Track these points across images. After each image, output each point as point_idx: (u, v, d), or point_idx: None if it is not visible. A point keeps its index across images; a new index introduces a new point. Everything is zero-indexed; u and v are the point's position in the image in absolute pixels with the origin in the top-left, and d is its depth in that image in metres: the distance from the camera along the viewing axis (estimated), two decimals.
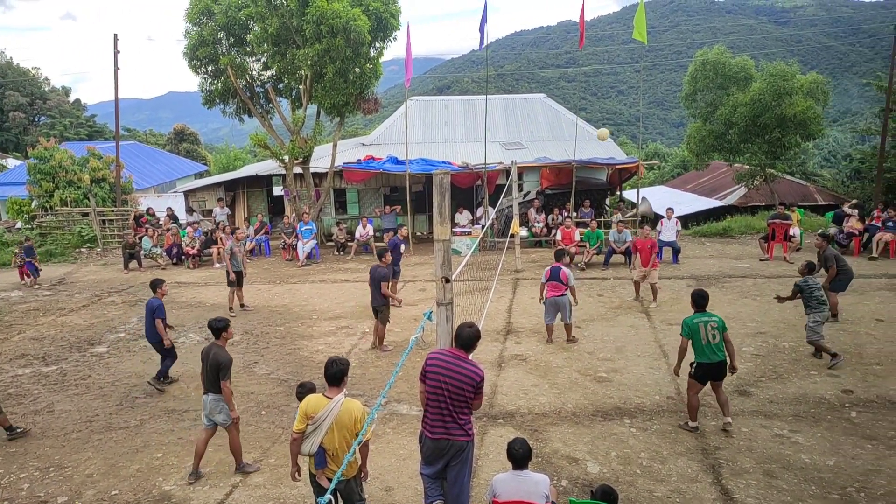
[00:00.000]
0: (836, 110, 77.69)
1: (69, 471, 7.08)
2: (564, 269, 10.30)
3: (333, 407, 4.99)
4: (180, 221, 21.43)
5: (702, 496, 6.16)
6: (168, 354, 9.42)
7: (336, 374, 5.11)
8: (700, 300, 7.47)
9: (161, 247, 18.85)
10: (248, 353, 10.70)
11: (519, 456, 5.00)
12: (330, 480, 5.06)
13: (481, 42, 18.31)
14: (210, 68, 20.06)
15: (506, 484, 4.99)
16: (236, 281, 12.98)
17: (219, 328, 6.84)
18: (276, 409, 8.49)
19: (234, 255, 12.93)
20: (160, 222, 20.45)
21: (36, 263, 16.69)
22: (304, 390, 5.96)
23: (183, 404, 8.74)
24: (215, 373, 6.59)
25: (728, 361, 7.24)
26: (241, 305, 13.31)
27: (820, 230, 16.35)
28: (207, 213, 22.73)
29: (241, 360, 10.36)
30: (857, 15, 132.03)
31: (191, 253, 18.12)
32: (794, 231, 16.71)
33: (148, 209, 21.75)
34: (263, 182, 23.57)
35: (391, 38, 19.50)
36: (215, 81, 20.31)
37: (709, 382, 7.37)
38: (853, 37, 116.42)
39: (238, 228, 14.54)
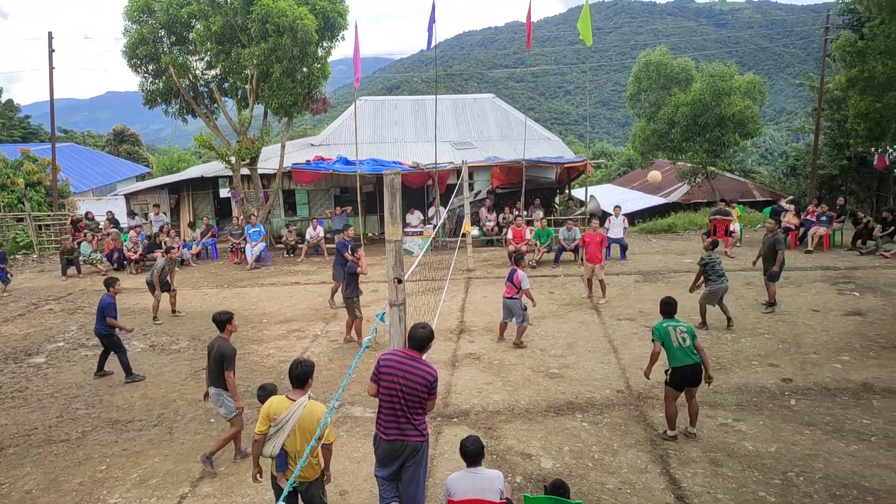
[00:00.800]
0: (772, 109, 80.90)
1: (6, 488, 6.76)
2: (519, 271, 10.29)
3: (296, 409, 4.93)
4: (121, 225, 20.74)
5: (651, 486, 6.31)
6: (116, 349, 9.44)
7: (300, 375, 5.07)
8: (667, 307, 7.39)
9: (101, 252, 18.21)
10: (195, 360, 10.43)
11: (471, 453, 5.02)
12: (293, 486, 5.00)
13: (429, 42, 18.32)
14: (151, 67, 19.47)
15: (460, 482, 5.00)
16: (162, 290, 12.78)
17: (223, 321, 6.91)
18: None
19: (164, 272, 12.70)
20: (100, 227, 19.75)
21: (7, 270, 16.03)
22: (264, 392, 5.89)
23: (127, 414, 8.46)
24: (219, 364, 6.72)
25: (703, 369, 7.05)
26: (174, 312, 13.03)
27: (790, 197, 17.06)
28: None
29: (189, 367, 10.11)
30: (790, 18, 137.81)
31: (133, 258, 17.55)
32: (735, 227, 17.31)
33: (87, 213, 20.97)
34: (209, 184, 23.02)
35: (339, 38, 19.34)
36: (157, 81, 19.73)
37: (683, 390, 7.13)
38: (787, 39, 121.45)
39: (173, 248, 14.11)
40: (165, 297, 12.86)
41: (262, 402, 5.36)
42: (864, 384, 8.43)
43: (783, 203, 18.20)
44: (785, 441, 7.07)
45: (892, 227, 15.75)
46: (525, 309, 10.37)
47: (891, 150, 21.92)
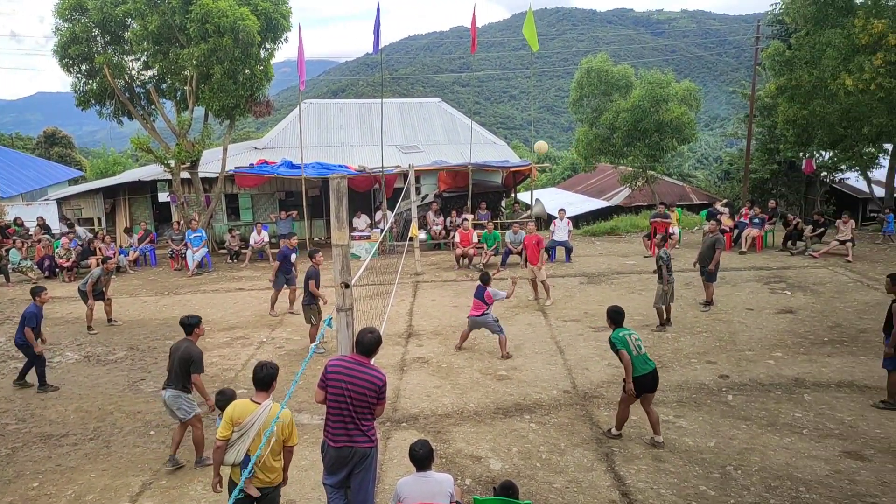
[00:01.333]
0: (707, 116, 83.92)
1: None
2: (490, 289, 9.99)
3: (262, 412, 4.83)
4: (53, 232, 19.85)
5: (597, 484, 6.43)
6: (35, 360, 9.19)
7: (265, 378, 5.00)
8: (616, 316, 7.21)
9: (31, 259, 17.37)
10: (133, 370, 10.07)
11: (420, 457, 5.01)
12: (259, 490, 4.89)
13: (376, 46, 18.28)
14: (84, 67, 18.71)
15: (410, 487, 4.98)
16: (96, 299, 12.30)
17: (191, 324, 6.88)
18: (166, 428, 8.02)
19: (99, 282, 12.23)
20: (30, 233, 18.85)
21: None
22: (223, 398, 5.78)
23: (60, 428, 8.09)
24: (185, 367, 6.63)
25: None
26: (110, 321, 12.56)
27: (725, 200, 17.67)
28: (86, 221, 21.20)
29: (126, 378, 9.75)
30: (723, 27, 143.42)
31: (65, 265, 16.80)
32: (674, 229, 17.87)
33: (15, 219, 19.97)
34: (147, 188, 22.28)
35: (282, 40, 19.02)
36: (90, 81, 18.97)
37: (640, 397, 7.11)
38: (720, 48, 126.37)
39: (110, 258, 13.49)
40: (100, 304, 12.38)
41: (222, 408, 5.23)
42: (796, 379, 8.82)
43: (718, 206, 18.89)
44: (723, 436, 7.32)
45: (822, 229, 16.57)
46: (497, 320, 10.19)
47: (817, 155, 23.03)
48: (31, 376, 9.41)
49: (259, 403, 4.91)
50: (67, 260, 16.85)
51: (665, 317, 11.15)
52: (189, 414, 6.80)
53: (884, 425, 7.42)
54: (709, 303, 12.12)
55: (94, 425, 8.14)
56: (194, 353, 6.73)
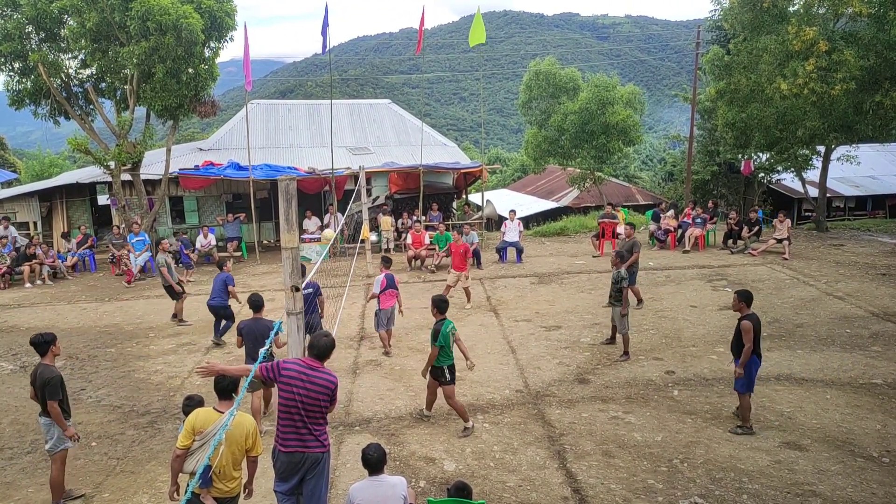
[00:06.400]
0: (651, 118, 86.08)
1: None
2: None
3: (226, 421, 4.65)
4: None
5: (550, 481, 6.52)
6: None
7: (227, 386, 4.85)
8: (442, 305, 7.61)
9: None
10: (73, 379, 9.67)
11: (374, 461, 4.97)
12: (216, 500, 4.74)
13: (324, 46, 18.06)
14: (17, 65, 17.86)
15: (363, 491, 4.94)
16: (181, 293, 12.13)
17: (43, 342, 6.18)
18: (108, 439, 7.75)
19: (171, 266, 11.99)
20: None
21: None
22: (192, 403, 5.53)
23: None
24: (42, 392, 5.99)
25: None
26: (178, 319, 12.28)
27: (670, 202, 18.09)
28: (21, 226, 20.24)
29: (67, 387, 9.34)
30: (665, 33, 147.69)
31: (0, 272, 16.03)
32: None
33: None
34: (86, 190, 21.44)
35: (227, 39, 18.57)
36: (24, 79, 18.12)
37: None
38: (663, 52, 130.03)
39: (164, 240, 12.62)
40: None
41: (187, 414, 5.04)
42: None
43: (663, 207, 19.40)
44: (670, 430, 7.53)
45: (757, 227, 17.22)
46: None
47: (755, 157, 23.92)
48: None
49: (222, 412, 4.77)
50: (2, 266, 16.09)
51: (613, 335, 10.44)
52: (57, 448, 6.16)
53: (819, 416, 7.76)
54: (640, 300, 12.47)
55: (32, 438, 7.78)
56: (48, 375, 6.02)
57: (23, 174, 40.47)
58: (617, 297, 9.76)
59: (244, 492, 5.08)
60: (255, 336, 7.84)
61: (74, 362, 10.47)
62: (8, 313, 13.61)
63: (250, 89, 19.43)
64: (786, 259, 15.84)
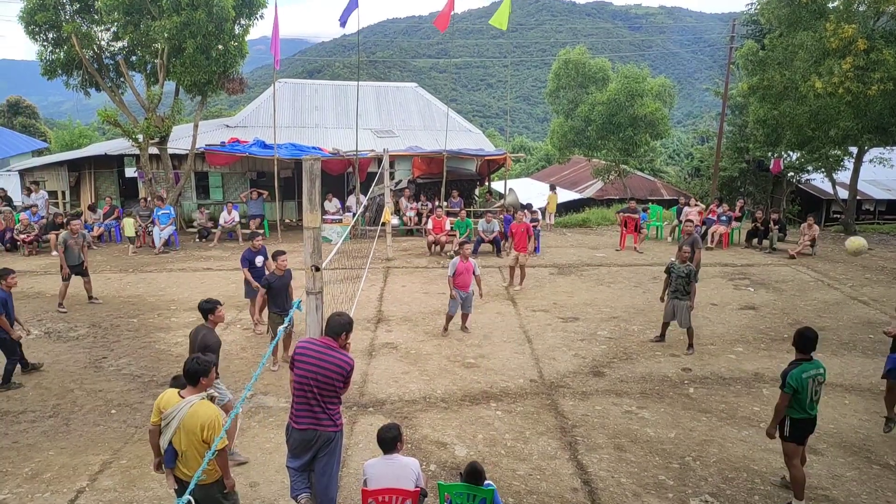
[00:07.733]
0: (680, 112, 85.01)
1: None
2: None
3: (183, 407, 4.66)
4: (14, 204, 19.27)
5: (560, 472, 6.53)
6: (10, 353, 8.34)
7: (190, 371, 4.77)
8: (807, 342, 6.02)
9: None
10: (95, 348, 9.87)
11: (388, 439, 5.03)
12: (178, 480, 4.80)
13: (343, 20, 17.63)
14: (51, 35, 18.11)
15: (376, 468, 5.01)
16: (72, 274, 11.63)
17: (207, 309, 6.63)
18: (128, 407, 7.91)
19: (69, 248, 11.54)
20: None
21: None
22: (176, 384, 5.60)
23: (18, 405, 7.90)
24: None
25: None
26: (90, 298, 12.18)
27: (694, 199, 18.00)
28: (50, 194, 20.61)
29: (88, 356, 9.55)
30: (699, 25, 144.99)
31: (27, 240, 16.34)
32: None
33: None
34: (114, 162, 21.74)
35: (258, 16, 18.68)
36: (57, 50, 18.38)
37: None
38: (696, 45, 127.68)
39: (75, 220, 12.48)
40: (79, 280, 11.92)
41: None
42: (756, 374, 9.04)
43: (691, 202, 19.11)
44: (684, 427, 7.48)
45: (781, 226, 17.00)
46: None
47: (785, 156, 23.50)
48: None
49: (183, 398, 4.75)
50: (30, 235, 16.41)
51: (663, 333, 10.27)
52: (223, 399, 6.35)
53: (837, 421, 7.66)
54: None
55: (54, 403, 7.97)
56: (210, 341, 6.35)
57: (53, 143, 41.18)
58: (685, 291, 9.64)
59: (220, 480, 4.82)
60: (284, 283, 9.36)
61: (98, 331, 10.67)
62: (34, 279, 13.91)
63: (279, 68, 19.48)
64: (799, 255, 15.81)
